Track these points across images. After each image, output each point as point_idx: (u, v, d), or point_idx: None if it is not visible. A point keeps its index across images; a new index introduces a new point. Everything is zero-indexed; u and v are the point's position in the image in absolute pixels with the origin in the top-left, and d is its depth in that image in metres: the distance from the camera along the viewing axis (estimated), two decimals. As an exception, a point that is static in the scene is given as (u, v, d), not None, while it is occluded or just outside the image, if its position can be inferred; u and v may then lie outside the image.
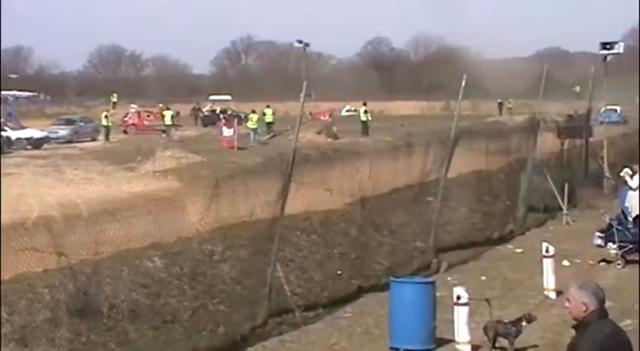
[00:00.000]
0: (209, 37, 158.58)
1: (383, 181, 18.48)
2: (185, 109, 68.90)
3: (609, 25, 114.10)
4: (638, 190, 20.41)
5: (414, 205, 19.00)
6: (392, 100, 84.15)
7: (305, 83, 16.29)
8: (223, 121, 49.93)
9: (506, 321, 12.13)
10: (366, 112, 48.36)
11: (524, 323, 12.00)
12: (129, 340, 11.93)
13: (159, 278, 13.27)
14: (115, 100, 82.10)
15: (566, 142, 26.07)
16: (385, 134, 29.64)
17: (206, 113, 66.20)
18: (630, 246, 17.39)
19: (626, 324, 11.87)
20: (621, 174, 21.44)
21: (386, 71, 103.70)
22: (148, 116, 59.43)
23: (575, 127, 25.96)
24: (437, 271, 17.46)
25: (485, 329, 12.10)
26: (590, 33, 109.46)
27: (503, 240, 20.69)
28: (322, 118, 59.06)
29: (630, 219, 19.65)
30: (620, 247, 17.32)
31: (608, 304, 6.23)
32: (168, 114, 51.53)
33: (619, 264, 17.17)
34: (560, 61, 72.86)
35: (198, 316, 12.98)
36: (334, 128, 46.44)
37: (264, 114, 50.05)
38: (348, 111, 78.53)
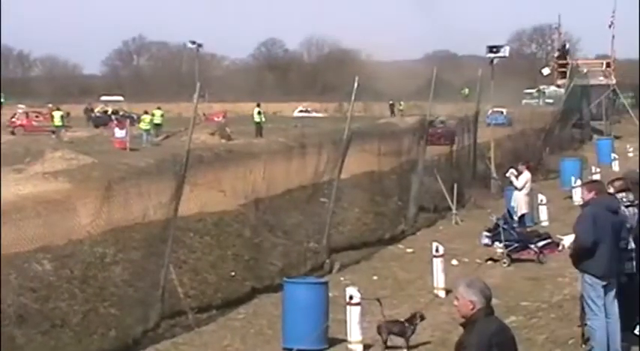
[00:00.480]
0: (100, 37, 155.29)
1: (277, 182, 18.52)
2: (76, 110, 67.38)
3: (495, 29, 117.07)
4: (523, 190, 21.08)
5: (308, 205, 19.11)
6: (286, 101, 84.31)
7: (198, 84, 16.22)
8: (115, 122, 49.15)
9: (402, 319, 12.34)
10: (259, 113, 48.32)
11: (418, 320, 12.25)
12: (16, 345, 11.64)
13: (48, 282, 12.98)
14: (1, 100, 79.56)
15: (455, 142, 26.61)
16: (279, 135, 29.71)
17: (97, 114, 64.89)
18: (515, 245, 17.91)
19: (511, 321, 12.27)
20: (507, 175, 22.10)
21: (279, 72, 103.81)
22: (37, 117, 57.89)
23: (439, 134, 26.02)
24: (330, 272, 17.61)
25: (378, 329, 12.27)
26: (476, 37, 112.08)
27: (394, 240, 20.98)
28: (216, 119, 58.68)
29: (516, 218, 20.28)
30: (506, 246, 17.80)
31: (494, 301, 6.43)
32: (57, 114, 50.29)
33: (505, 263, 17.66)
34: (449, 64, 74.32)
35: (88, 320, 12.75)
36: (228, 129, 46.26)
37: (153, 115, 49.38)
38: (301, 111, 77.64)
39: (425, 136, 24.18)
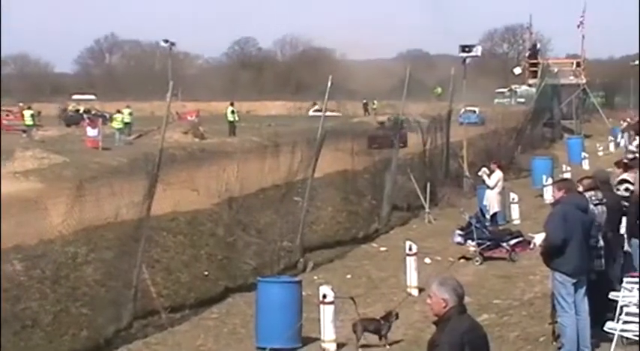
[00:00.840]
0: (72, 35, 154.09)
1: (250, 181, 18.50)
2: (48, 109, 66.99)
3: (467, 29, 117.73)
4: (495, 189, 21.21)
5: (281, 204, 19.10)
6: (259, 100, 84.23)
7: (171, 83, 16.11)
8: (87, 120, 48.83)
9: (378, 317, 12.37)
10: (233, 112, 48.23)
11: (393, 318, 12.29)
12: (-13, 346, 11.55)
13: (19, 282, 12.89)
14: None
15: (428, 141, 26.68)
16: (252, 134, 29.70)
17: (70, 113, 64.46)
18: (488, 243, 18.01)
19: (484, 318, 12.35)
20: (479, 173, 22.21)
21: (253, 71, 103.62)
22: (7, 116, 57.38)
23: (387, 136, 25.35)
24: (303, 271, 17.61)
25: (354, 326, 12.29)
26: (449, 36, 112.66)
27: (368, 239, 21.02)
28: (189, 118, 58.46)
29: (488, 217, 20.39)
30: (478, 245, 17.90)
31: (466, 299, 6.46)
32: (28, 113, 49.87)
33: (477, 261, 17.76)
34: (422, 63, 74.57)
35: (60, 320, 12.68)
36: (201, 128, 46.13)
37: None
38: (316, 110, 75.71)
39: (398, 135, 24.25)
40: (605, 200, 11.19)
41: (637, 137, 20.51)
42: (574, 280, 10.10)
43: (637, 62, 70.73)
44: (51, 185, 15.59)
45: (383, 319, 12.26)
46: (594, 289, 10.37)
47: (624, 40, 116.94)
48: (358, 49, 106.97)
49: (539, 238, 13.09)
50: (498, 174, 21.52)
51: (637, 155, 17.10)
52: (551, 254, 10.21)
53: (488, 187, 21.25)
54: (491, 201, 21.03)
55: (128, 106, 50.85)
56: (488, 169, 21.66)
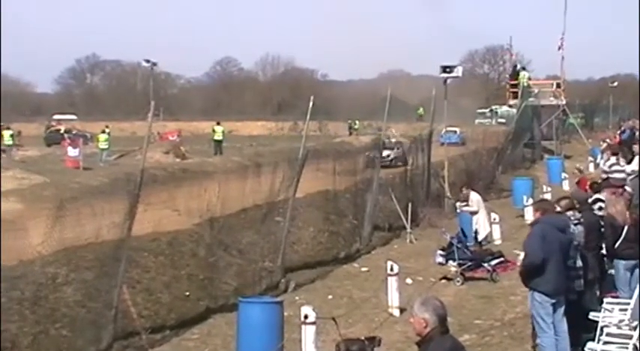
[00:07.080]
0: (53, 55, 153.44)
1: (231, 201, 18.45)
2: (28, 129, 66.78)
3: (448, 50, 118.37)
4: (481, 210, 21.44)
5: (263, 224, 19.07)
6: (241, 120, 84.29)
7: (153, 103, 16.11)
8: (68, 140, 48.70)
9: (362, 338, 12.31)
10: (223, 131, 48.40)
11: (377, 342, 12.20)
12: (-35, 369, 11.45)
13: (-3, 303, 12.77)
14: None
15: (410, 161, 26.79)
16: (234, 154, 29.68)
17: (50, 132, 64.23)
18: (469, 263, 18.06)
19: (465, 339, 12.36)
20: (462, 209, 22.40)
21: (235, 91, 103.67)
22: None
23: None
24: (285, 291, 17.58)
25: (337, 347, 12.23)
26: (430, 57, 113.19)
27: (349, 259, 21.02)
28: (170, 138, 58.40)
29: (480, 239, 20.66)
30: (459, 265, 17.94)
31: (448, 319, 6.48)
32: (7, 133, 49.70)
33: (458, 281, 17.79)
34: (404, 84, 74.85)
35: (39, 342, 12.58)
36: (182, 148, 46.16)
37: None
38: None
39: (380, 155, 24.32)
40: (582, 220, 11.27)
41: (612, 157, 20.58)
42: (553, 301, 10.14)
43: (615, 83, 71.46)
44: (31, 206, 15.46)
45: (367, 341, 12.20)
46: (574, 309, 10.41)
47: (603, 61, 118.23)
48: (340, 69, 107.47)
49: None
50: (475, 196, 21.73)
51: (609, 175, 17.16)
52: (531, 274, 10.26)
53: (474, 212, 21.48)
54: (482, 223, 21.36)
55: (107, 126, 50.64)
56: (462, 197, 21.97)
